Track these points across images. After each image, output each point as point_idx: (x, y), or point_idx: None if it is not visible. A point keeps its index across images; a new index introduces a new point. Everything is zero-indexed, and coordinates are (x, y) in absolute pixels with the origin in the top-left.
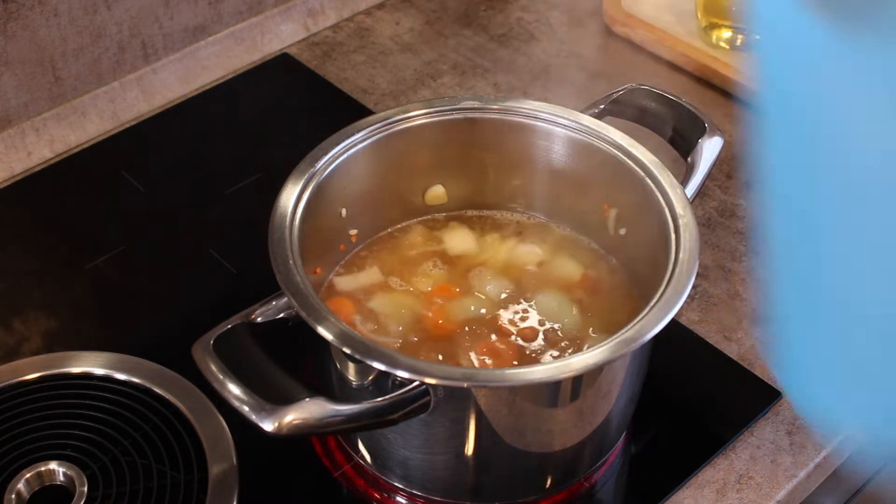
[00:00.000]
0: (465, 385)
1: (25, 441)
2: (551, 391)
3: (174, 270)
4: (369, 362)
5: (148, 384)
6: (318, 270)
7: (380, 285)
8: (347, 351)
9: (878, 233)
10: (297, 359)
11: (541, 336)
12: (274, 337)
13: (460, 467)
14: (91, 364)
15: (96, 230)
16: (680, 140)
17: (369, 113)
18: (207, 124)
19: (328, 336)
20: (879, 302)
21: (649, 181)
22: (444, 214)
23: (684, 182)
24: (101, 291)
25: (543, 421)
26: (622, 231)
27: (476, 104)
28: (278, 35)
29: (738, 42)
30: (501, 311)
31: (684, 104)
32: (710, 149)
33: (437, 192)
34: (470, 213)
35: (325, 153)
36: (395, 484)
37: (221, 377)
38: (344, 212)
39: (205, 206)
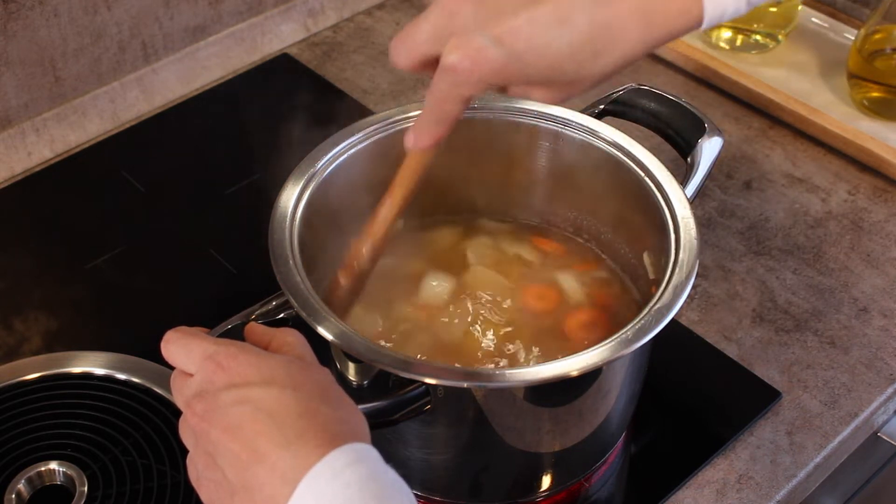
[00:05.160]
0: (465, 385)
1: (25, 441)
2: (551, 391)
3: (174, 270)
4: (369, 362)
5: (148, 384)
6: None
7: None
8: (348, 351)
9: None
10: None
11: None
12: None
13: (460, 467)
14: (91, 364)
15: (96, 230)
16: (680, 140)
17: (369, 113)
18: (207, 124)
19: (328, 336)
20: None
21: (649, 181)
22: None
23: (684, 182)
24: (101, 291)
25: (543, 421)
26: (622, 231)
27: (476, 104)
28: (278, 35)
29: (738, 42)
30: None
31: (684, 104)
32: (710, 149)
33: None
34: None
35: (325, 153)
36: None
37: None
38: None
39: (205, 206)
